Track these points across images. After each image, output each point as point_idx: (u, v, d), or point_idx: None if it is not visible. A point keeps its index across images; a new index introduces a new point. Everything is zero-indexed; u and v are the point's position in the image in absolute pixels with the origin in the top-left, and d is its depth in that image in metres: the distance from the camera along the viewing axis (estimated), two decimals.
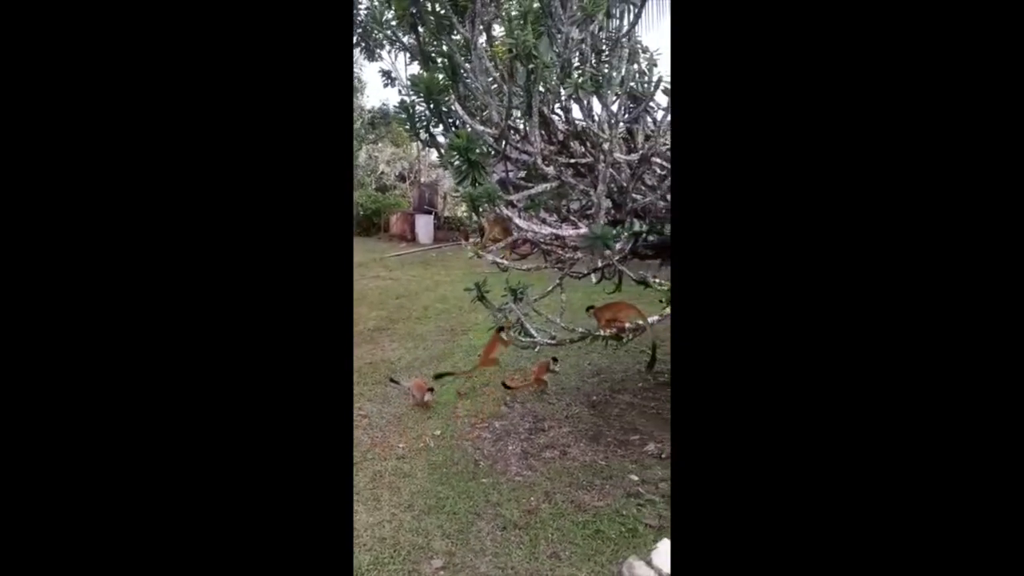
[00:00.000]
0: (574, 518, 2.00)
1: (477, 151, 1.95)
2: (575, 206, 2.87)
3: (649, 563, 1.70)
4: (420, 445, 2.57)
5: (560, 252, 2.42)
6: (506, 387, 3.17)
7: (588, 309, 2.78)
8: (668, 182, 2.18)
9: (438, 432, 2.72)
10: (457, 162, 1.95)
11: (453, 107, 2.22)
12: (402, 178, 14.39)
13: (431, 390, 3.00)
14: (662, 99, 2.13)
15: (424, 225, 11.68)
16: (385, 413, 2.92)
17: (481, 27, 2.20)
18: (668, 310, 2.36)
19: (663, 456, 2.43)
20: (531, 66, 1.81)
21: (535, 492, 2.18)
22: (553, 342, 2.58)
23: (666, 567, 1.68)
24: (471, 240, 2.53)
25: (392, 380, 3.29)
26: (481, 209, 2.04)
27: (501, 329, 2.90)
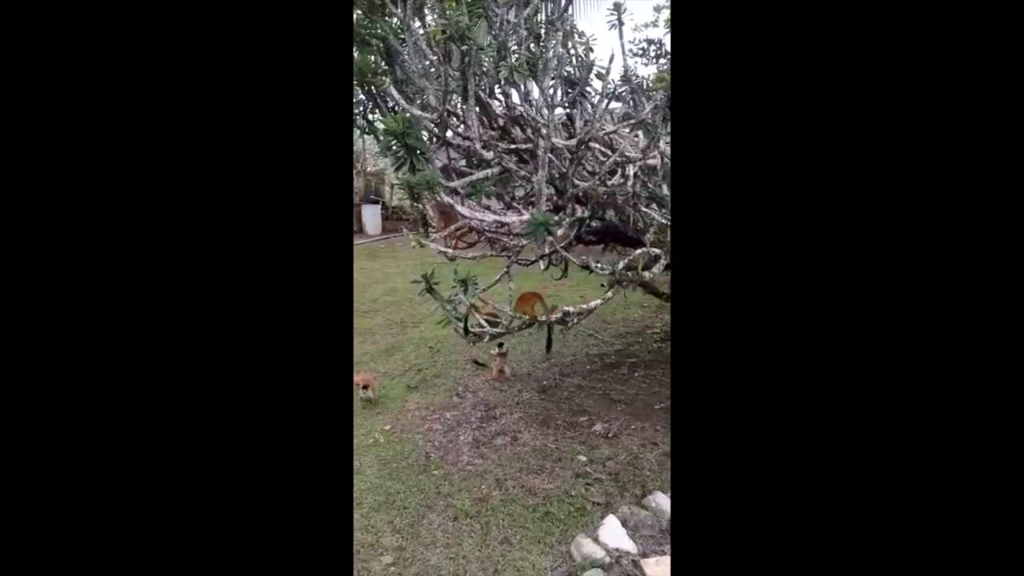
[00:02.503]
0: (524, 502, 2.02)
1: (415, 137, 1.89)
2: (520, 193, 2.86)
3: (596, 539, 1.75)
4: (369, 441, 2.51)
5: (505, 240, 2.41)
6: (476, 363, 3.39)
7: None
8: (606, 167, 2.21)
9: (387, 427, 2.66)
10: (394, 148, 1.88)
11: (389, 91, 2.14)
12: None
13: (366, 387, 2.89)
14: (598, 84, 2.14)
15: (371, 216, 11.33)
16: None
17: (416, 8, 2.13)
18: (609, 294, 2.41)
19: (609, 435, 2.50)
20: (465, 48, 1.76)
21: (486, 480, 2.19)
22: (503, 331, 2.58)
23: (611, 542, 1.73)
24: (413, 230, 2.47)
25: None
26: (422, 197, 1.99)
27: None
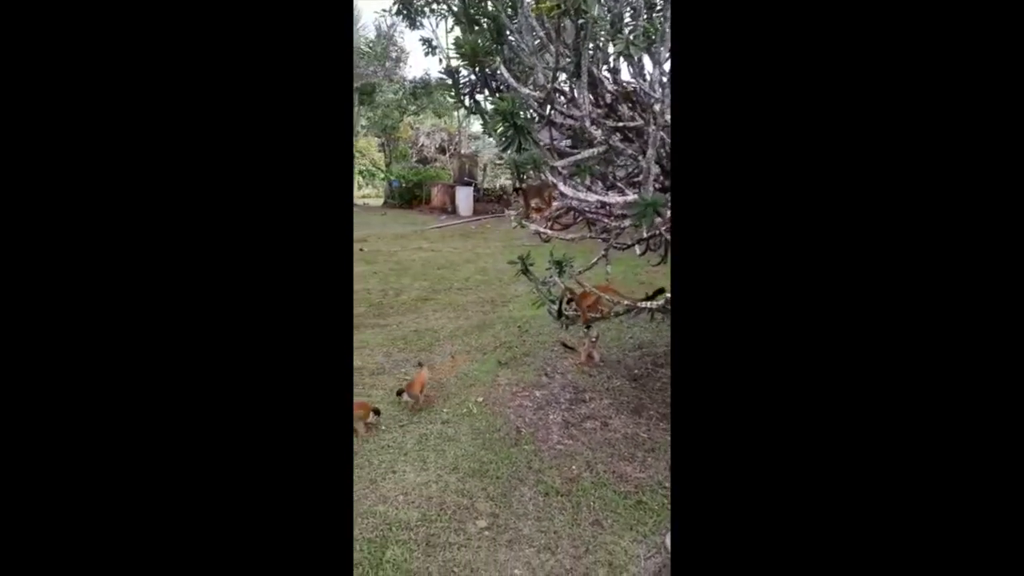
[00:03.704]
0: (616, 488, 2.00)
1: (523, 115, 1.89)
2: (621, 173, 2.77)
3: None
4: (463, 411, 2.63)
5: (606, 221, 2.35)
6: (565, 346, 3.38)
7: (569, 301, 2.79)
8: None
9: (480, 399, 2.77)
10: (502, 127, 1.90)
11: (499, 71, 2.16)
12: (442, 150, 14.39)
13: (377, 411, 2.47)
14: None
15: (464, 197, 11.69)
16: (429, 380, 3.00)
17: None
18: None
19: None
20: (580, 22, 1.71)
21: (576, 461, 2.20)
22: (597, 316, 2.54)
23: None
24: (515, 210, 2.49)
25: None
26: (526, 176, 2.00)
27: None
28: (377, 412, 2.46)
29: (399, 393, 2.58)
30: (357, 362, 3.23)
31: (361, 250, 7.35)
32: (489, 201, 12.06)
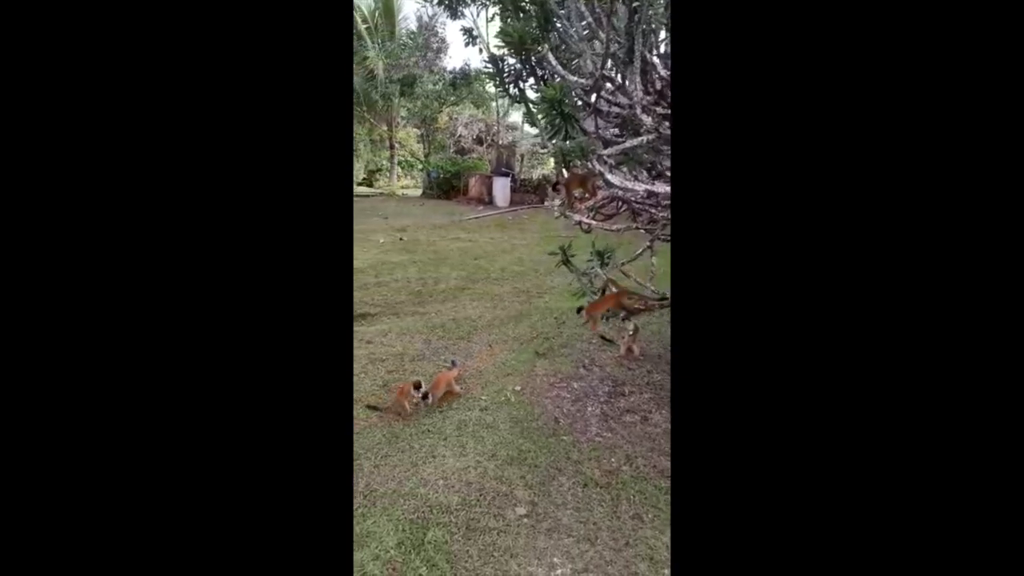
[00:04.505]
0: (657, 483, 1.97)
1: (571, 104, 1.86)
2: (668, 163, 2.69)
3: None
4: (501, 399, 2.65)
5: (653, 211, 2.29)
6: (603, 339, 3.32)
7: (579, 311, 2.73)
8: None
9: (518, 388, 2.78)
10: (549, 116, 1.88)
11: (546, 57, 2.13)
12: (479, 141, 14.42)
13: (418, 386, 2.49)
14: None
15: (501, 188, 11.71)
16: (468, 367, 3.04)
17: None
18: None
19: None
20: (635, 4, 1.66)
21: (616, 454, 2.18)
22: (640, 308, 2.50)
23: None
24: (556, 199, 2.47)
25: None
26: (572, 165, 1.97)
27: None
28: (418, 387, 2.46)
29: (416, 387, 2.47)
30: (398, 348, 3.31)
31: (401, 239, 7.49)
32: (526, 192, 12.02)
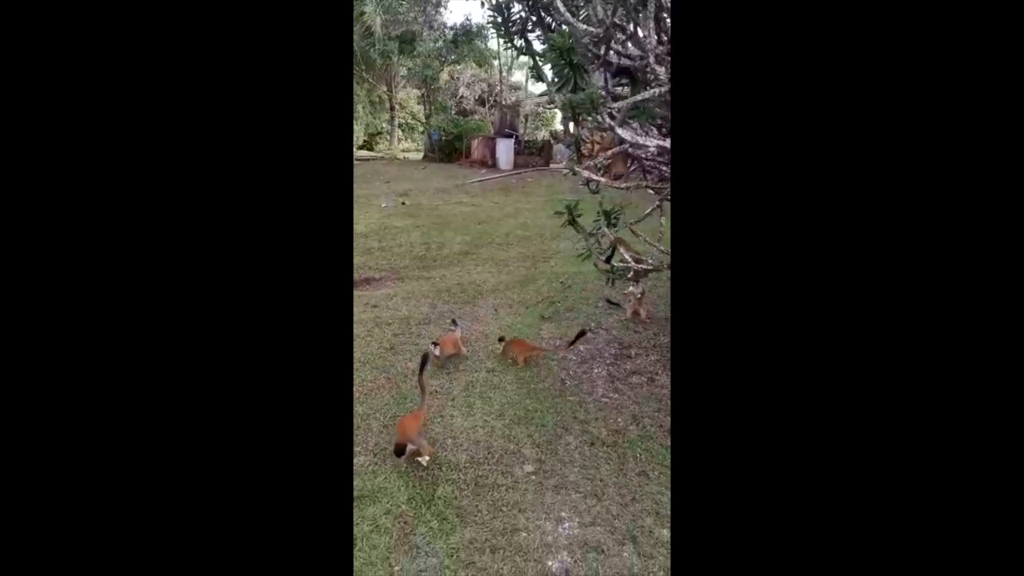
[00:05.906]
0: (663, 442, 1.99)
1: (580, 53, 1.76)
2: None
3: None
4: (508, 361, 2.66)
5: (664, 169, 2.22)
6: (609, 303, 3.32)
7: (500, 339, 2.71)
8: None
9: None
10: (557, 66, 1.79)
11: (553, 3, 2.01)
12: (482, 101, 13.99)
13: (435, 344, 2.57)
14: None
15: (505, 150, 11.43)
16: (474, 330, 3.04)
17: None
18: None
19: None
20: None
21: (622, 414, 2.20)
22: (650, 268, 2.46)
23: None
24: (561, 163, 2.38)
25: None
26: (581, 119, 1.89)
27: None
28: (436, 344, 2.54)
29: (434, 344, 2.57)
30: (404, 312, 3.31)
31: (403, 203, 7.39)
32: (531, 154, 11.75)
